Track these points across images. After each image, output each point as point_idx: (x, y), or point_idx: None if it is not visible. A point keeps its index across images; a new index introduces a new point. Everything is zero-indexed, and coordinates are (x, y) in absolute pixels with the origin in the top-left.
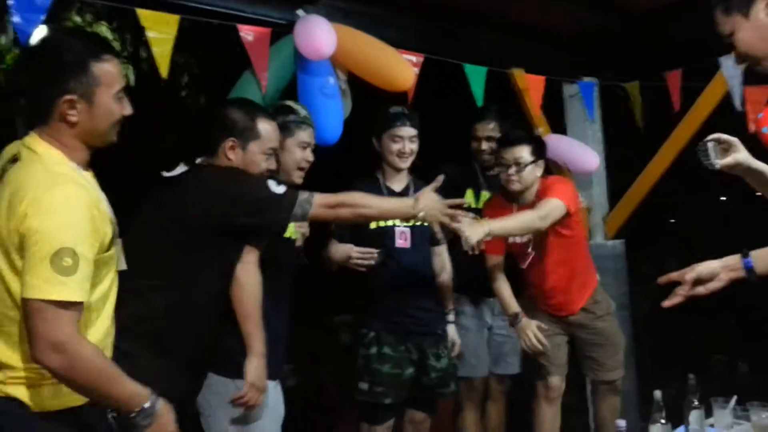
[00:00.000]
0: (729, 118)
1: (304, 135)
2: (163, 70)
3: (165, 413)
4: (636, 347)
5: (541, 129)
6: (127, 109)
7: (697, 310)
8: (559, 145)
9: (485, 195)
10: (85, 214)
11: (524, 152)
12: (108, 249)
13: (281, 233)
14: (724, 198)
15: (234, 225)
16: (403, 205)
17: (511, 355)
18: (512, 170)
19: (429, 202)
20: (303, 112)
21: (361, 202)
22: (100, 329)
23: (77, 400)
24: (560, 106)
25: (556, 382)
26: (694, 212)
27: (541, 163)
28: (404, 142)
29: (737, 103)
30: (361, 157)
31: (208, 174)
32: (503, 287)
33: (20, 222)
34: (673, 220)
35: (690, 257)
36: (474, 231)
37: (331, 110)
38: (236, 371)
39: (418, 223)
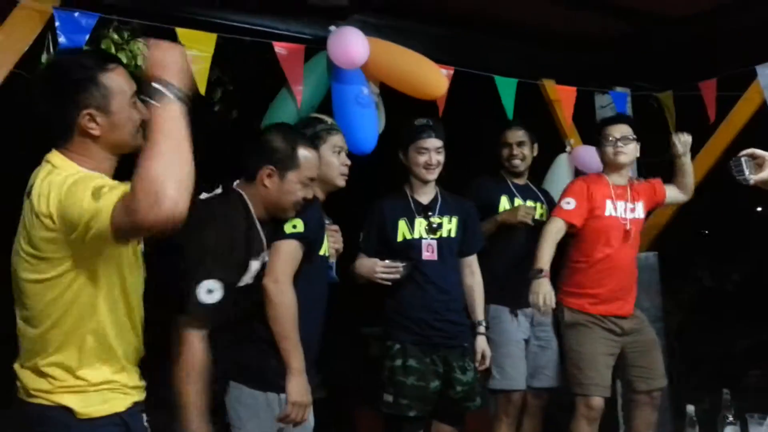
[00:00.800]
0: (765, 128)
1: (336, 139)
2: (201, 86)
3: None
4: (669, 360)
5: (572, 140)
6: (145, 113)
7: (731, 323)
8: (592, 156)
9: (518, 203)
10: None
11: (628, 129)
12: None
13: (316, 251)
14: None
15: None
16: None
17: (549, 367)
18: (620, 144)
19: None
20: (329, 120)
21: None
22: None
23: (121, 405)
24: (592, 116)
25: (599, 402)
26: (727, 224)
27: (638, 145)
28: (430, 153)
29: None
30: (390, 171)
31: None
32: (548, 243)
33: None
34: (706, 232)
35: (722, 269)
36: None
37: (366, 119)
38: (267, 384)
39: (445, 235)
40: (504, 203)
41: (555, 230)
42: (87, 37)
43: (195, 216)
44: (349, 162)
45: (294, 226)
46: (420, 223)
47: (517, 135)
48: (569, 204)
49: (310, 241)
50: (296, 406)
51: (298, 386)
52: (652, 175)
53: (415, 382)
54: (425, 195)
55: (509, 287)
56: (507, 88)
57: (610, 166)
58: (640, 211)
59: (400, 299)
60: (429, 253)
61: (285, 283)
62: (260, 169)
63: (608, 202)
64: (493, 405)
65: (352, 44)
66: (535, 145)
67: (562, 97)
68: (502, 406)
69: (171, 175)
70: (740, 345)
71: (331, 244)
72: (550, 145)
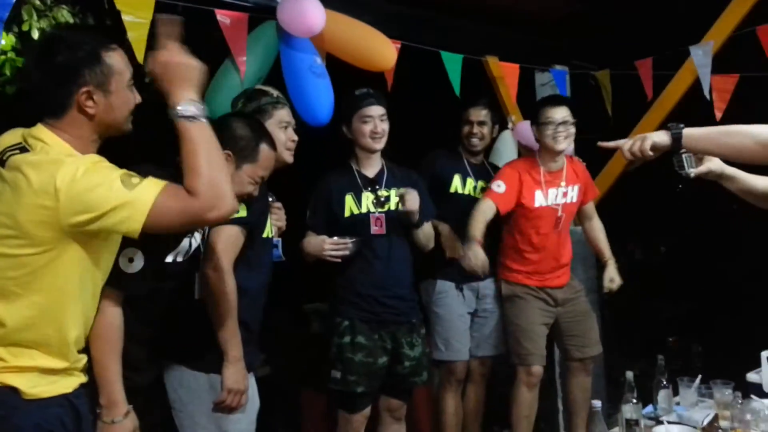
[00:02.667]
0: (697, 105)
1: (282, 114)
2: (140, 55)
3: None
4: (603, 329)
5: (514, 117)
6: (138, 97)
7: (658, 293)
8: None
9: (470, 182)
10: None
11: (568, 112)
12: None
13: (259, 234)
14: (680, 186)
15: None
16: None
17: (493, 336)
18: (561, 128)
19: None
20: (275, 92)
21: None
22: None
23: (67, 387)
24: (531, 94)
25: (538, 369)
26: (653, 196)
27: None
28: (375, 121)
29: (706, 90)
30: (336, 146)
31: None
32: (477, 218)
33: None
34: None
35: (652, 241)
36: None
37: (322, 89)
38: (209, 366)
39: (393, 208)
40: (456, 182)
41: (484, 209)
42: (12, 1)
43: None
44: (296, 137)
45: (236, 211)
46: (367, 197)
47: (480, 114)
48: (499, 187)
49: (252, 225)
50: (232, 393)
51: (235, 374)
52: (588, 152)
53: (363, 358)
54: (371, 168)
55: (455, 263)
56: (453, 63)
57: (546, 149)
58: (573, 195)
59: (348, 275)
60: (377, 227)
61: (224, 270)
62: None
63: (538, 193)
64: (437, 377)
65: (309, 11)
66: (496, 127)
67: (506, 73)
68: (445, 376)
69: (224, 179)
70: (665, 314)
71: (273, 222)
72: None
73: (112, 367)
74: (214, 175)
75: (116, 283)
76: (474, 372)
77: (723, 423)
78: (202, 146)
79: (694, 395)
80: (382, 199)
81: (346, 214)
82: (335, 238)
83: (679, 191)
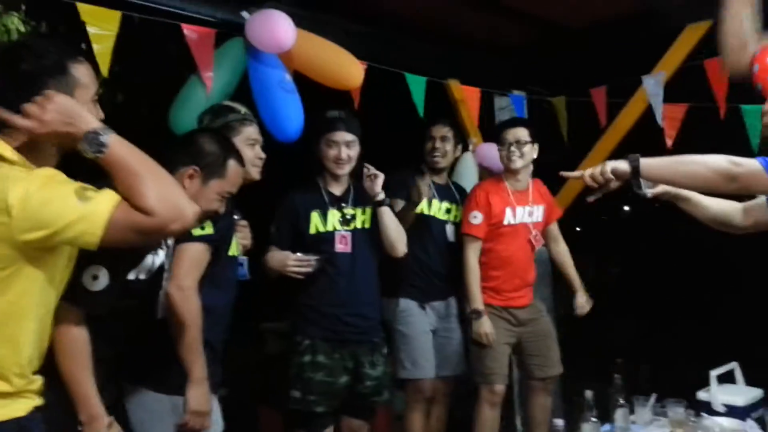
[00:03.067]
0: (648, 132)
1: (250, 131)
2: (104, 68)
3: None
4: (561, 349)
5: (475, 139)
6: (101, 114)
7: (609, 314)
8: (494, 152)
9: (436, 204)
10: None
11: (524, 133)
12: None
13: (224, 252)
14: (627, 208)
15: None
16: None
17: (454, 356)
18: (513, 148)
19: None
20: (243, 109)
21: None
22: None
23: (19, 410)
24: (491, 117)
25: (501, 388)
26: (612, 221)
27: (536, 146)
28: (340, 147)
29: (658, 118)
30: (303, 161)
31: None
32: (476, 279)
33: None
34: (583, 228)
35: (605, 263)
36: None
37: (292, 105)
38: (171, 388)
39: (359, 226)
40: (423, 204)
41: (474, 254)
42: None
43: None
44: (263, 155)
45: (202, 228)
46: (333, 215)
47: (442, 130)
48: (476, 218)
49: (218, 243)
50: (195, 415)
51: (199, 396)
52: (545, 174)
53: (324, 377)
54: (338, 186)
55: (418, 283)
56: (417, 85)
57: (506, 169)
58: (538, 215)
59: (310, 293)
60: (342, 245)
61: (189, 288)
62: (182, 168)
63: (508, 210)
64: (400, 397)
65: (279, 26)
66: (459, 146)
67: (467, 96)
68: (412, 395)
69: (172, 186)
70: (617, 333)
71: (239, 240)
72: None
73: (85, 382)
74: (162, 188)
75: (79, 301)
76: (437, 392)
77: None
78: (133, 164)
79: (649, 414)
80: (348, 217)
81: (312, 231)
82: (299, 254)
83: (624, 213)
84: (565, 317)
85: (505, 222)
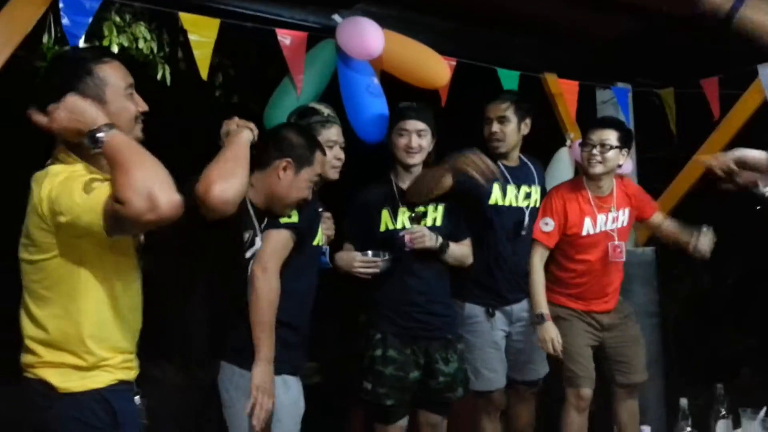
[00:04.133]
0: (766, 126)
1: (330, 134)
2: (203, 71)
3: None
4: (664, 355)
5: (573, 134)
6: (142, 105)
7: (727, 322)
8: None
9: (512, 190)
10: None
11: (612, 136)
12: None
13: (309, 241)
14: (758, 207)
15: None
16: None
17: (534, 359)
18: (595, 151)
19: None
20: (326, 111)
21: None
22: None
23: (100, 382)
24: (592, 111)
25: (588, 392)
26: (724, 220)
27: (625, 152)
28: (411, 135)
29: None
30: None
31: None
32: (541, 283)
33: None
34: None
35: (718, 265)
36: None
37: (378, 108)
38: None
39: (429, 224)
40: (496, 192)
41: (540, 260)
42: (90, 19)
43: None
44: (342, 156)
45: (289, 216)
46: (403, 213)
47: (500, 109)
48: (548, 225)
49: (302, 231)
50: (259, 391)
51: (262, 373)
52: (651, 170)
53: (394, 372)
54: (410, 182)
55: (486, 286)
56: (509, 81)
57: (585, 173)
58: (624, 219)
59: (382, 290)
60: (411, 243)
61: (271, 271)
62: (277, 160)
63: (587, 221)
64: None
65: (369, 35)
66: (527, 121)
67: (564, 90)
68: (482, 406)
69: (155, 177)
70: (732, 344)
71: (323, 231)
72: (552, 139)
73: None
74: (141, 180)
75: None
76: (520, 393)
77: None
78: (122, 158)
79: (758, 428)
80: (419, 214)
81: (381, 228)
82: (369, 254)
83: (760, 213)
84: (674, 323)
85: (584, 233)
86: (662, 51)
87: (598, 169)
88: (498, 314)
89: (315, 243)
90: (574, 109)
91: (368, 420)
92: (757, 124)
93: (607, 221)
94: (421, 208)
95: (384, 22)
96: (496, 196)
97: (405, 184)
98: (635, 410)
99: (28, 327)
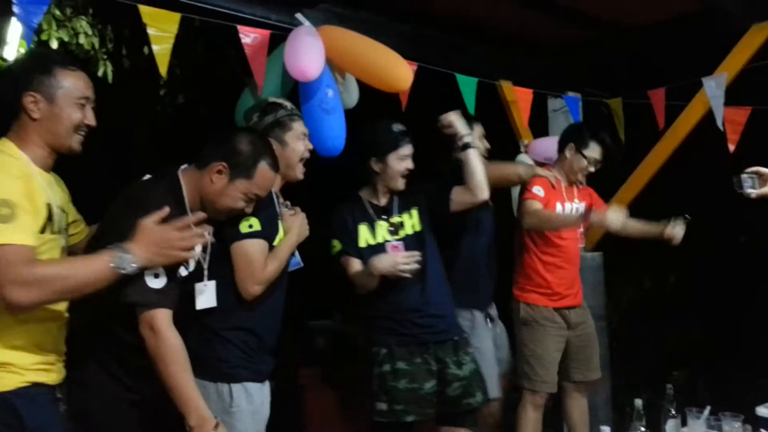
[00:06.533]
0: (709, 136)
1: (299, 126)
2: (163, 68)
3: None
4: (609, 357)
5: (527, 141)
6: (91, 120)
7: (663, 323)
8: (548, 145)
9: None
10: (17, 177)
11: (604, 155)
12: (42, 231)
13: (270, 243)
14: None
15: None
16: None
17: (505, 358)
18: (593, 168)
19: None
20: (289, 104)
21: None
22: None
23: (8, 384)
24: (544, 120)
25: (546, 395)
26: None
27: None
28: (408, 161)
29: (719, 122)
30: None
31: (134, 197)
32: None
33: None
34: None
35: (661, 270)
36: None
37: (332, 125)
38: (216, 374)
39: (410, 232)
40: None
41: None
42: (45, 8)
43: (124, 199)
44: (311, 146)
45: (250, 226)
46: (381, 227)
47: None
48: (540, 192)
49: (269, 238)
50: None
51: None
52: (600, 178)
53: (408, 384)
54: (383, 197)
55: (480, 289)
56: (468, 86)
57: (569, 173)
58: (582, 213)
59: (378, 302)
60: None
61: (268, 282)
62: (213, 162)
63: (558, 205)
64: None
65: (305, 58)
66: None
67: (519, 98)
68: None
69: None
70: (670, 345)
71: (296, 229)
72: (507, 144)
73: (189, 385)
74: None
75: (151, 300)
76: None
77: None
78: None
79: (702, 427)
80: (397, 225)
81: (361, 244)
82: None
83: (686, 219)
84: (619, 325)
85: (557, 212)
86: (611, 61)
87: (583, 180)
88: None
89: (275, 243)
90: (527, 116)
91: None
92: (700, 133)
93: (572, 209)
94: (397, 219)
95: (345, 23)
96: None
97: (378, 201)
98: (586, 408)
99: None
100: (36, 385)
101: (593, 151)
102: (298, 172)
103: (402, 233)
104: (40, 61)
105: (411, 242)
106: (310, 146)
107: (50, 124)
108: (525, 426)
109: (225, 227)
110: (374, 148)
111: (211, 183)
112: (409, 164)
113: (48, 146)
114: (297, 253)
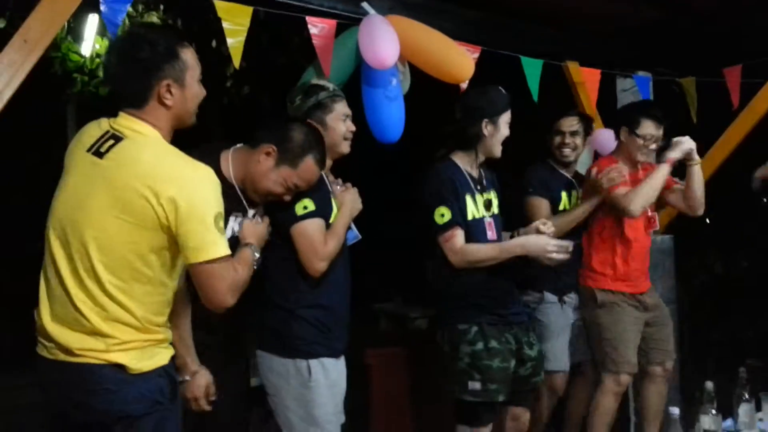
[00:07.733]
0: None
1: (341, 107)
2: (236, 60)
3: None
4: (679, 343)
5: (594, 123)
6: (204, 92)
7: (738, 310)
8: (611, 139)
9: (575, 195)
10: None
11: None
12: None
13: (327, 222)
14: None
15: None
16: None
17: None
18: (653, 145)
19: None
20: (331, 86)
21: None
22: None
23: (165, 359)
24: (613, 100)
25: (627, 378)
26: (739, 211)
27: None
28: (507, 128)
29: None
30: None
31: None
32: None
33: (169, 201)
34: (707, 220)
35: (732, 254)
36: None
37: (393, 112)
38: (293, 351)
39: (497, 212)
40: (564, 200)
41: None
42: (128, 6)
43: None
44: (354, 128)
45: (305, 207)
46: (479, 200)
47: (572, 123)
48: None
49: (325, 216)
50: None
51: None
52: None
53: (500, 364)
54: (475, 169)
55: (560, 275)
56: (532, 69)
57: (631, 157)
58: None
59: (473, 279)
60: (491, 232)
61: (331, 257)
62: (265, 144)
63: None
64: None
65: (382, 46)
66: (588, 138)
67: (586, 79)
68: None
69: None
70: (741, 331)
71: (348, 204)
72: None
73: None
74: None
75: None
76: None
77: None
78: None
79: None
80: (490, 201)
81: (469, 217)
82: (556, 240)
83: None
84: (690, 310)
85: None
86: (683, 40)
87: (650, 158)
88: (566, 304)
89: (332, 221)
90: (595, 97)
91: (465, 422)
92: None
93: None
94: (489, 195)
95: (409, 10)
96: (564, 203)
97: (472, 170)
98: (665, 393)
99: (93, 313)
100: (172, 358)
101: (646, 127)
102: (344, 147)
103: (491, 211)
104: (165, 47)
105: (497, 223)
106: (353, 128)
107: (182, 107)
108: (603, 414)
109: (278, 213)
110: (489, 109)
111: (258, 163)
112: (507, 131)
113: (173, 127)
114: (354, 226)
